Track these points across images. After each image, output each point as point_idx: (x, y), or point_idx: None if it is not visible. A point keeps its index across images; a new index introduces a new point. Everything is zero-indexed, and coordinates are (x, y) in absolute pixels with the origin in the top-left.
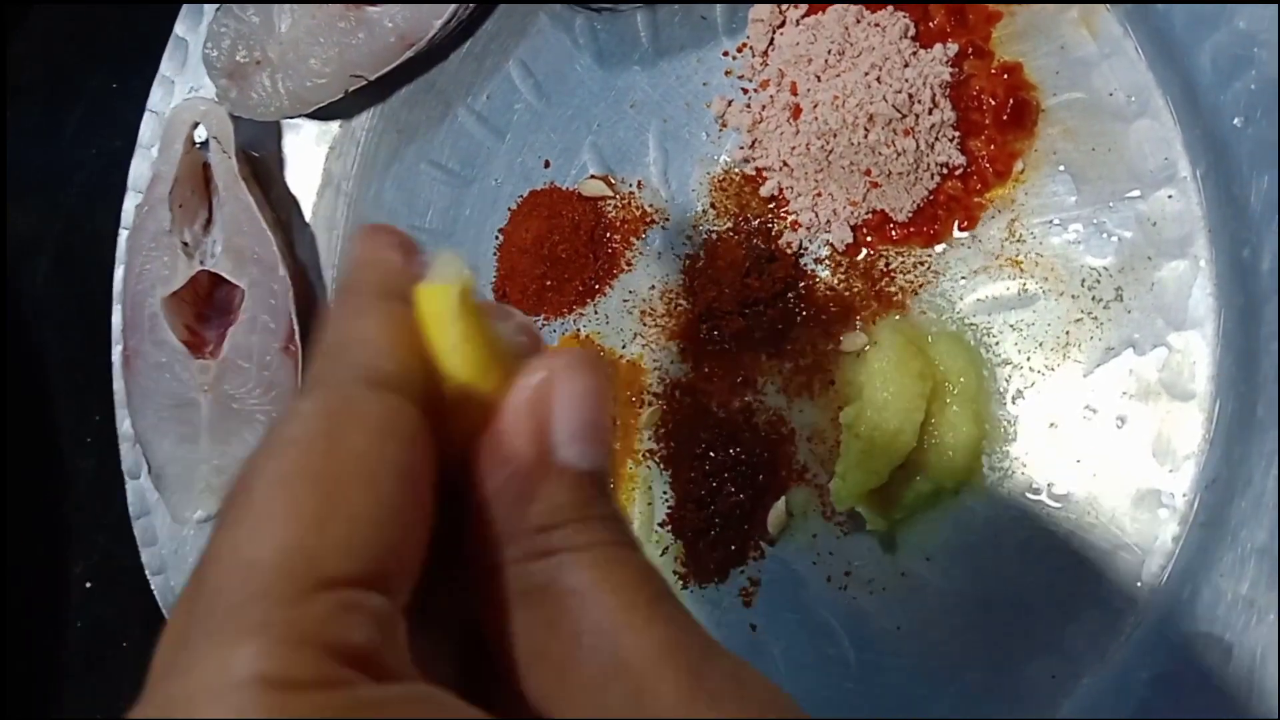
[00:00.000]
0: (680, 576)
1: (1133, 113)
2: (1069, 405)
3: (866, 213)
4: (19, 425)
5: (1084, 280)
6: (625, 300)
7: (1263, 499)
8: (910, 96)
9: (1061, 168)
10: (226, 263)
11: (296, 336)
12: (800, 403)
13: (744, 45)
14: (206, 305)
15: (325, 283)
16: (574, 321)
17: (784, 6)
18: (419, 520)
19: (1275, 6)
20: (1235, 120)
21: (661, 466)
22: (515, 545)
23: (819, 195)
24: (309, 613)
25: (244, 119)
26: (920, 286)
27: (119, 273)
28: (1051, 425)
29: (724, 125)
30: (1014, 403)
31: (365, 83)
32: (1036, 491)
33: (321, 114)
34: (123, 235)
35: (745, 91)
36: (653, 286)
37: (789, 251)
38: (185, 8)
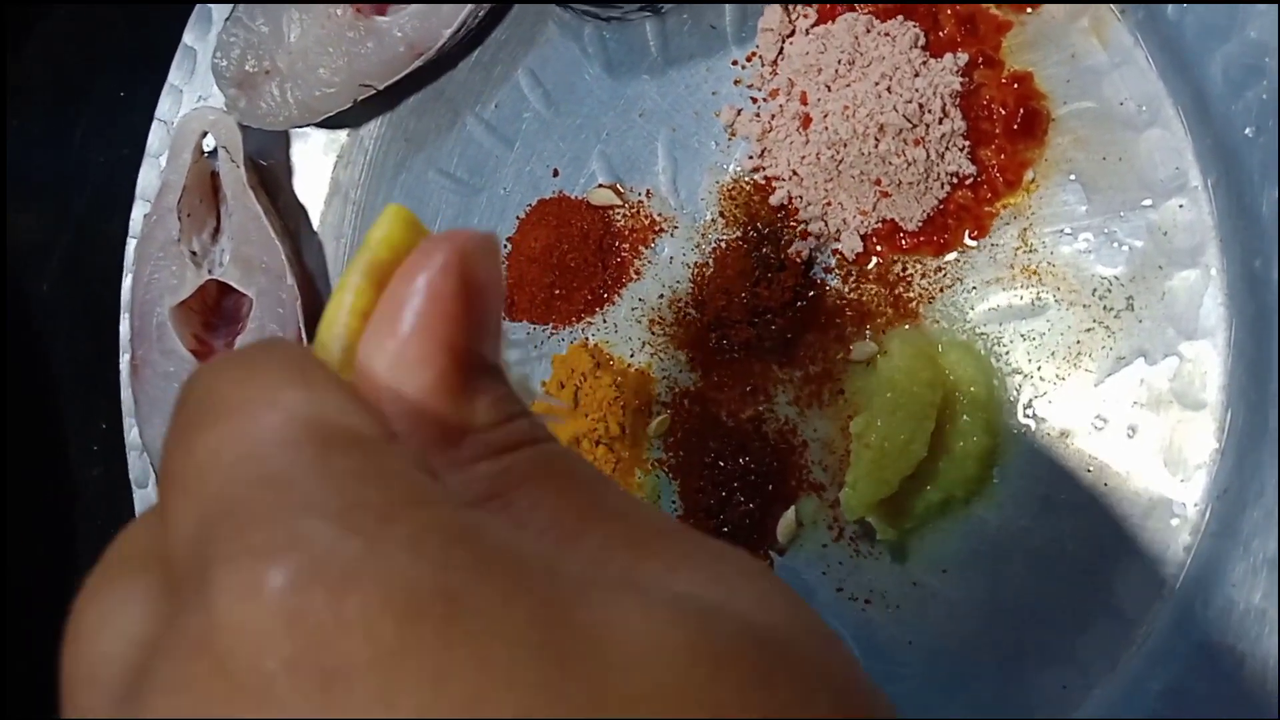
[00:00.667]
0: None
1: (1144, 122)
2: (1080, 415)
3: (876, 222)
4: (26, 433)
5: (1095, 290)
6: (634, 309)
7: (1275, 509)
8: (920, 106)
9: (1072, 177)
10: (234, 271)
11: (304, 344)
12: (810, 412)
13: (753, 54)
14: (214, 314)
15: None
16: (582, 330)
17: (793, 16)
18: None
19: None
20: (1247, 130)
21: (670, 475)
22: (450, 456)
23: (829, 204)
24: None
25: (252, 128)
26: (937, 294)
27: (127, 281)
28: (1062, 435)
29: (733, 134)
30: (1025, 412)
31: (374, 92)
32: (1047, 501)
33: (330, 123)
34: (131, 244)
35: (755, 101)
36: (661, 295)
37: (798, 260)
38: (194, 18)
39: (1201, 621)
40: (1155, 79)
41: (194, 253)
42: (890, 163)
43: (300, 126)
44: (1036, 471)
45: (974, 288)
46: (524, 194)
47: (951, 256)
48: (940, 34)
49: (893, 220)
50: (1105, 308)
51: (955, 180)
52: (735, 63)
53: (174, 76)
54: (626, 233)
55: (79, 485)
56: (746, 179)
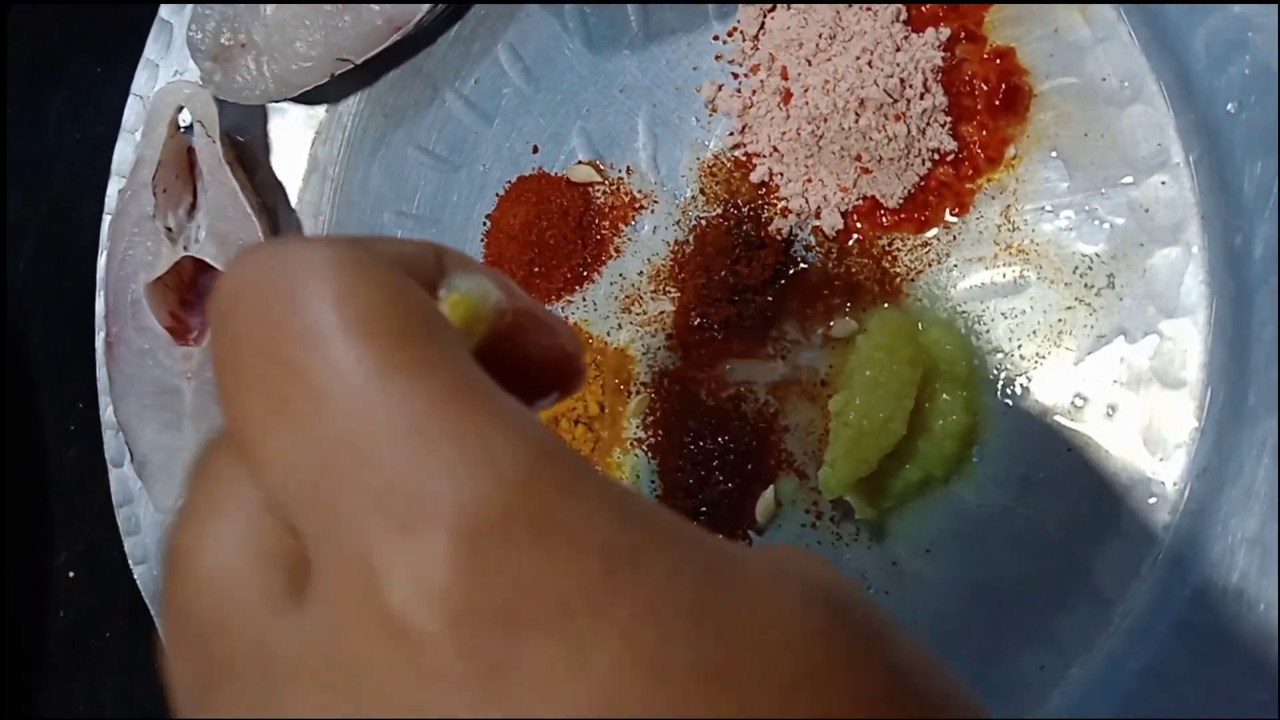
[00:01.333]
0: None
1: (1126, 98)
2: (1060, 393)
3: (857, 199)
4: (2, 414)
5: (1076, 267)
6: (614, 284)
7: (1253, 488)
8: (902, 81)
9: (1054, 153)
10: (210, 248)
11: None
12: (789, 391)
13: (735, 29)
14: (190, 291)
15: None
16: (562, 309)
17: None
18: None
19: None
20: (1229, 106)
21: (650, 455)
22: None
23: (809, 181)
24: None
25: (229, 103)
26: (918, 272)
27: (102, 259)
28: (1042, 413)
29: (714, 110)
30: (1005, 391)
31: (351, 66)
32: (1027, 480)
33: (307, 98)
34: (106, 220)
35: (736, 76)
36: (641, 272)
37: (779, 238)
38: None
39: (1179, 601)
40: (1138, 54)
41: (169, 229)
42: (871, 138)
43: (277, 101)
44: (1016, 450)
45: (955, 265)
46: (503, 170)
47: (933, 233)
48: (922, 9)
49: (873, 197)
50: (1086, 285)
51: (936, 156)
52: (716, 38)
53: (150, 50)
54: (606, 210)
55: (55, 465)
56: (727, 155)
